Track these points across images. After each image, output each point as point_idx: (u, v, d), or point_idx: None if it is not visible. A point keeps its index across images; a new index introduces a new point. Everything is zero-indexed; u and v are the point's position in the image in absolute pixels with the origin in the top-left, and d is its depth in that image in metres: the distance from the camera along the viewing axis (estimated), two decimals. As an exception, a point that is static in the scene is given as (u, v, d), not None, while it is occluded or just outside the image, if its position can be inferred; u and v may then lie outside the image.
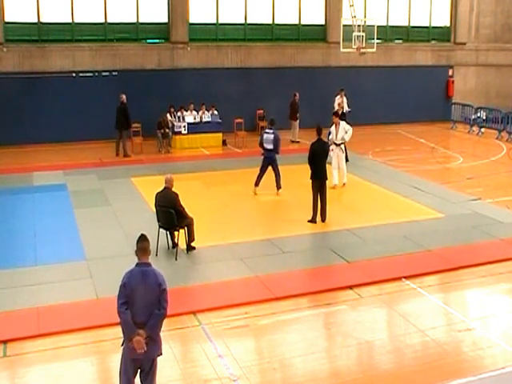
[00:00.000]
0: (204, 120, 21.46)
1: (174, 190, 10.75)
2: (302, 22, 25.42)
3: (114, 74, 22.30)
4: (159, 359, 6.04)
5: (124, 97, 19.78)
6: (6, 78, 21.02)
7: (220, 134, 21.59)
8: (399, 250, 10.99)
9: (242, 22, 24.51)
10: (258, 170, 14.74)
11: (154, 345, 5.79)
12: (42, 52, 21.68)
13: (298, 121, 22.27)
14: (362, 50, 23.49)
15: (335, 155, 15.23)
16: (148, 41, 23.29)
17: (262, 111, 23.62)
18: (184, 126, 20.96)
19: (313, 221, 12.61)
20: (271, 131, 14.64)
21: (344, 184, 15.48)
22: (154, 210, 11.02)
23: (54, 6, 21.81)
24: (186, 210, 10.76)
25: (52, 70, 21.68)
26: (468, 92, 28.48)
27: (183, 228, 10.76)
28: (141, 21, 23.01)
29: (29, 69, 21.44)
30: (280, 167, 14.76)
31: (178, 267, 10.25)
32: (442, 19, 28.20)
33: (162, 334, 5.98)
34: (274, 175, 14.69)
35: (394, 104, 26.20)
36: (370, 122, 24.97)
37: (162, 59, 23.20)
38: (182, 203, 10.66)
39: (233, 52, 24.18)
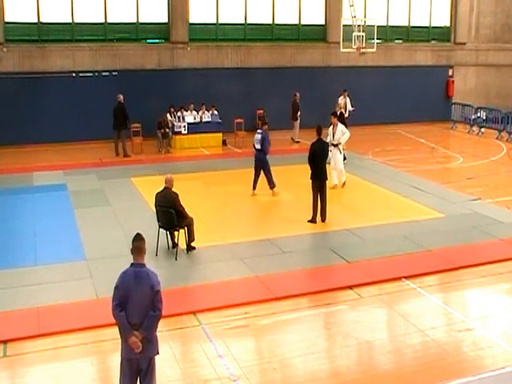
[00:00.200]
0: (204, 120, 21.47)
1: (174, 189, 10.75)
2: (302, 22, 25.42)
3: (113, 74, 22.30)
4: (159, 359, 6.04)
5: (121, 97, 19.78)
6: (6, 77, 21.03)
7: (220, 134, 21.60)
8: (399, 250, 10.99)
9: (242, 22, 24.52)
10: (257, 171, 14.79)
11: (150, 345, 5.79)
12: (42, 52, 21.69)
13: (298, 121, 22.29)
14: (362, 50, 23.49)
15: (333, 156, 15.19)
16: (148, 41, 23.30)
17: (262, 111, 23.61)
18: (184, 126, 20.96)
19: (313, 221, 12.61)
20: (261, 131, 14.70)
21: (344, 184, 15.46)
22: (154, 210, 11.02)
23: (53, 5, 21.81)
24: (186, 209, 10.76)
25: (52, 70, 21.68)
26: (468, 92, 28.49)
27: (183, 228, 10.76)
28: (141, 21, 23.01)
29: (29, 69, 21.45)
30: (280, 167, 14.78)
31: (178, 267, 10.25)
32: (442, 19, 28.21)
33: (161, 333, 5.99)
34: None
35: (394, 104, 26.19)
36: (370, 122, 24.97)
37: (161, 59, 23.21)
38: (181, 203, 10.66)
39: (233, 52, 24.19)
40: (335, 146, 15.21)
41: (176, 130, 20.90)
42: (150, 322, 5.71)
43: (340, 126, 15.22)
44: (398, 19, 27.21)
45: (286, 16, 25.08)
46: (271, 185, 14.68)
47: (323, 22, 25.75)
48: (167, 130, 20.69)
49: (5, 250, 11.12)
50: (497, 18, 28.93)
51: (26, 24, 21.68)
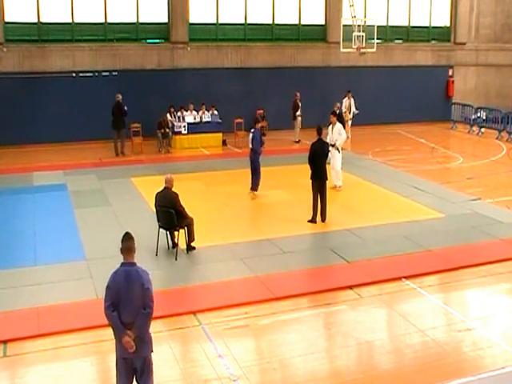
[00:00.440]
0: (204, 120, 21.47)
1: (173, 189, 10.75)
2: (302, 22, 25.43)
3: (113, 74, 22.30)
4: (159, 359, 6.04)
5: (120, 96, 19.79)
6: (6, 77, 21.03)
7: (220, 134, 21.60)
8: (399, 250, 10.99)
9: (242, 21, 24.52)
10: (257, 171, 14.79)
11: (143, 344, 5.78)
12: (42, 52, 21.69)
13: (297, 120, 22.24)
14: (362, 50, 23.50)
15: (332, 156, 15.10)
16: (148, 41, 23.30)
17: (262, 111, 23.62)
18: (184, 126, 20.96)
19: (313, 221, 12.60)
20: (253, 130, 14.74)
21: (340, 187, 15.13)
22: (154, 210, 11.02)
23: (53, 5, 21.82)
24: (186, 209, 10.76)
25: (52, 69, 21.68)
26: (468, 92, 28.49)
27: (183, 228, 10.76)
28: (141, 21, 23.01)
29: (29, 69, 21.45)
30: (280, 167, 14.77)
31: (178, 267, 10.25)
32: (442, 19, 28.21)
33: (161, 333, 5.98)
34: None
35: (394, 104, 26.19)
36: (370, 122, 24.96)
37: (161, 59, 23.21)
38: (181, 203, 10.66)
39: (233, 52, 24.19)
40: (332, 145, 15.18)
41: (176, 130, 20.90)
42: (141, 320, 5.70)
43: (338, 126, 15.10)
44: (398, 19, 27.21)
45: (286, 16, 25.08)
46: (252, 185, 14.56)
47: (323, 22, 25.76)
48: (167, 130, 20.69)
49: (5, 250, 11.12)
50: (497, 18, 28.94)
51: (26, 24, 21.68)
